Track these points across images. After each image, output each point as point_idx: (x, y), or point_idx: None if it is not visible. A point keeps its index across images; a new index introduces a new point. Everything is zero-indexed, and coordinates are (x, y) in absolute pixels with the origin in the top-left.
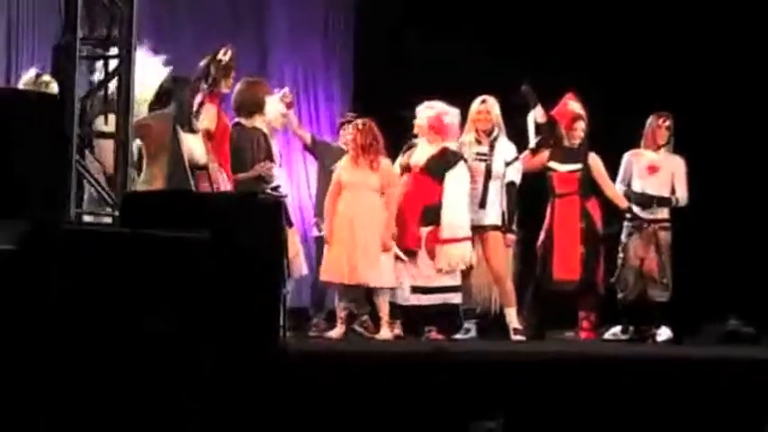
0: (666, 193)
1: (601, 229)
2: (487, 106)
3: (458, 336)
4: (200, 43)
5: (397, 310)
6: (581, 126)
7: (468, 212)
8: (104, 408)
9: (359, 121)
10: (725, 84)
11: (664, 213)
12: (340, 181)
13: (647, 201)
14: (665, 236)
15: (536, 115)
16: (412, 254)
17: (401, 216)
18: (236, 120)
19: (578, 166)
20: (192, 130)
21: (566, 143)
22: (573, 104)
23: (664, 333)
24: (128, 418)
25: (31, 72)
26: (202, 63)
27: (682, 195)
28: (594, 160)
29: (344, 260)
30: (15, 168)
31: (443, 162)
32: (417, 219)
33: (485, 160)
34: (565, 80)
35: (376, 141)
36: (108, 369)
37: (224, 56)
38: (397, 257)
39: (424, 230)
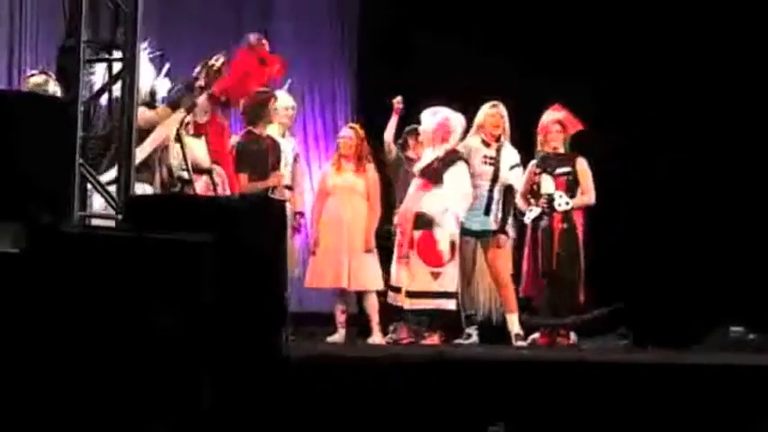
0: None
1: (582, 235)
2: (499, 111)
3: (459, 341)
4: (204, 46)
5: (397, 315)
6: (555, 129)
7: (464, 209)
8: (107, 410)
9: (344, 128)
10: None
11: None
12: (326, 187)
13: None
14: None
15: None
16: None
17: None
18: (248, 128)
19: (566, 169)
20: (196, 134)
21: (546, 149)
22: (549, 114)
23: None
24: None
25: (29, 74)
26: (196, 69)
27: None
28: (581, 164)
29: (334, 265)
30: (18, 171)
31: (443, 165)
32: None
33: (493, 164)
34: (567, 82)
35: (361, 146)
36: (110, 372)
37: (216, 62)
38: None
39: (417, 234)
